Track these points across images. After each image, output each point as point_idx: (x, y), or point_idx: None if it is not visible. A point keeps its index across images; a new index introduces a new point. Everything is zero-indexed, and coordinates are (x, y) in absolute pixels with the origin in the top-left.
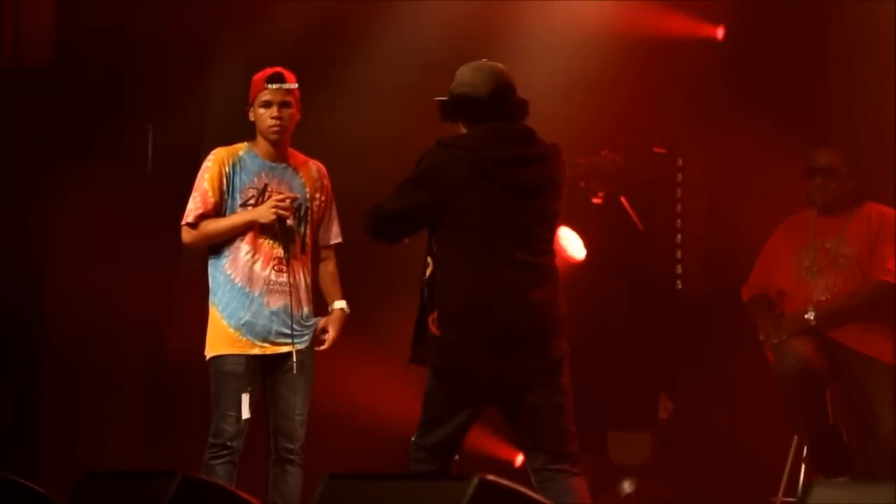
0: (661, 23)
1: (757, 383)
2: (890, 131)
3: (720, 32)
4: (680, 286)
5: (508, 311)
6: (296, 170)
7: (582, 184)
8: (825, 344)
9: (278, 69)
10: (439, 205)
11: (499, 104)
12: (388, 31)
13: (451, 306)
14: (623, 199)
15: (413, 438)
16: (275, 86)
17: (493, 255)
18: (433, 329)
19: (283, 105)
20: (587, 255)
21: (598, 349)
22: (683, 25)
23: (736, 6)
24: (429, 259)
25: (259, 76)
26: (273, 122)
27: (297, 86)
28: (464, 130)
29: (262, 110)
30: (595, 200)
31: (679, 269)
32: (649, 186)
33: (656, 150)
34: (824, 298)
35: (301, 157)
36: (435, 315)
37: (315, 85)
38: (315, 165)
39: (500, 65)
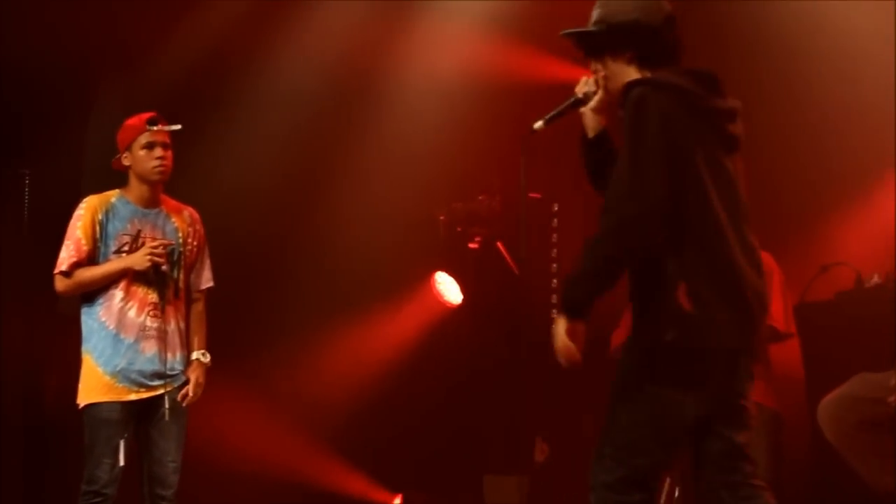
0: (542, 68)
1: None
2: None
3: None
4: None
5: (758, 285)
6: (168, 215)
7: (459, 228)
8: None
9: (152, 112)
10: (678, 159)
11: (676, 39)
12: (268, 77)
13: (707, 279)
14: (500, 244)
15: (605, 477)
16: (156, 127)
17: (733, 224)
18: (684, 304)
19: (165, 146)
20: (464, 300)
21: (475, 393)
22: (563, 71)
23: None
24: None
25: (134, 121)
26: (158, 162)
27: (180, 126)
28: (630, 74)
29: (143, 152)
30: (472, 245)
31: (555, 314)
32: (526, 231)
33: (532, 195)
34: None
35: (174, 202)
36: (685, 287)
37: (191, 130)
38: (188, 211)
39: None
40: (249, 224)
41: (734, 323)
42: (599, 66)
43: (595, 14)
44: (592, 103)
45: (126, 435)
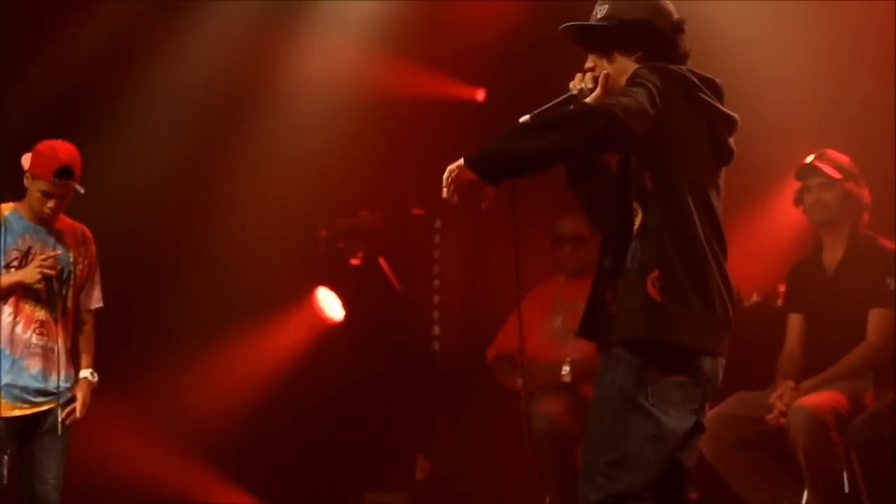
0: (423, 84)
1: (513, 444)
2: None
3: (481, 94)
4: (437, 347)
5: (727, 293)
6: (60, 234)
7: (341, 244)
8: (579, 403)
9: (67, 158)
10: (670, 136)
11: (684, 46)
12: (156, 86)
13: (682, 270)
14: (381, 260)
15: (597, 496)
16: (60, 181)
17: (713, 225)
18: (653, 293)
19: (61, 197)
20: (345, 316)
21: (356, 410)
22: (445, 87)
23: (496, 69)
24: (636, 205)
25: (48, 156)
26: (49, 212)
27: (82, 190)
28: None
29: (39, 195)
30: (353, 261)
31: (436, 331)
32: (407, 247)
33: (414, 211)
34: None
35: (67, 221)
36: (656, 274)
37: (79, 140)
38: (80, 230)
39: None
40: (132, 236)
41: (710, 323)
42: (604, 63)
43: (603, 10)
44: (588, 101)
45: (9, 451)
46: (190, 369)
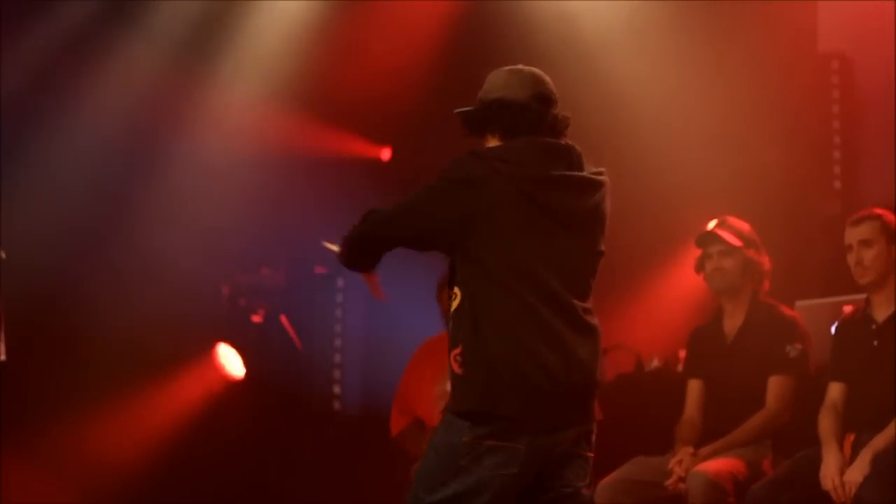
0: (330, 142)
1: None
2: None
3: (386, 153)
4: (337, 406)
5: (554, 359)
6: None
7: (242, 301)
8: None
9: None
10: (466, 224)
11: (540, 114)
12: (51, 149)
13: (480, 343)
14: (283, 318)
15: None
16: None
17: (536, 293)
18: (455, 367)
19: None
20: (246, 373)
21: (253, 468)
22: (350, 145)
23: (402, 129)
24: (456, 290)
25: None
26: None
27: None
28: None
29: None
30: (255, 318)
31: (337, 390)
32: (309, 306)
33: (317, 269)
34: None
35: None
36: (459, 350)
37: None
38: None
39: (540, 72)
40: (29, 285)
41: (523, 390)
42: (482, 141)
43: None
44: None
45: None
46: (91, 423)
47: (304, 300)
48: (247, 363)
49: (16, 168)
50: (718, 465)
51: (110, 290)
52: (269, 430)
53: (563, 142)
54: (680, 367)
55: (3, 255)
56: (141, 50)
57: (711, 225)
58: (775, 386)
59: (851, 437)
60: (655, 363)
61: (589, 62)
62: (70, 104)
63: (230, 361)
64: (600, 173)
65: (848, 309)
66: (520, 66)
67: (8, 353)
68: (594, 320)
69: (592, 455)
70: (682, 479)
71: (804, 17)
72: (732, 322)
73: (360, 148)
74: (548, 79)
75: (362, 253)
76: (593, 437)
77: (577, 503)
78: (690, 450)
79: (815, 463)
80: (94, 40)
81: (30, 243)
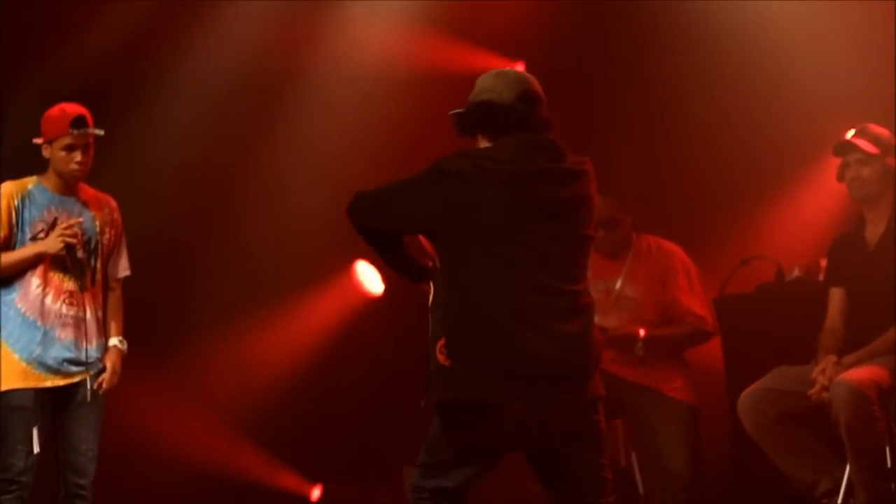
0: (460, 59)
1: None
2: None
3: (520, 68)
4: None
5: (537, 342)
6: (86, 204)
7: None
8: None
9: (79, 110)
10: (451, 215)
11: (525, 113)
12: (185, 68)
13: (465, 333)
14: (422, 237)
15: (412, 480)
16: (79, 131)
17: (520, 281)
18: (441, 359)
19: (85, 149)
20: (385, 290)
21: (395, 383)
22: (483, 61)
23: (536, 43)
24: (430, 284)
25: (59, 115)
26: (77, 166)
27: (102, 132)
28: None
29: (63, 153)
30: None
31: None
32: None
33: None
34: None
35: (91, 191)
36: (443, 342)
37: (106, 122)
38: (105, 200)
39: (526, 73)
40: (168, 212)
41: (506, 374)
42: (474, 142)
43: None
44: None
45: (41, 422)
46: (227, 342)
47: None
48: (385, 279)
49: (145, 97)
50: (862, 373)
51: (248, 208)
52: (407, 347)
53: (545, 136)
54: (821, 277)
55: (101, 132)
56: None
57: (851, 133)
58: None
59: None
60: (797, 272)
61: None
62: (197, 37)
63: (368, 278)
64: (582, 163)
65: None
66: (506, 69)
67: (148, 274)
68: (586, 300)
69: (603, 427)
70: (825, 389)
71: None
72: (874, 230)
73: (494, 64)
74: (533, 79)
75: (373, 241)
76: (599, 411)
77: (595, 478)
78: (834, 358)
79: None
80: None
81: (159, 171)
